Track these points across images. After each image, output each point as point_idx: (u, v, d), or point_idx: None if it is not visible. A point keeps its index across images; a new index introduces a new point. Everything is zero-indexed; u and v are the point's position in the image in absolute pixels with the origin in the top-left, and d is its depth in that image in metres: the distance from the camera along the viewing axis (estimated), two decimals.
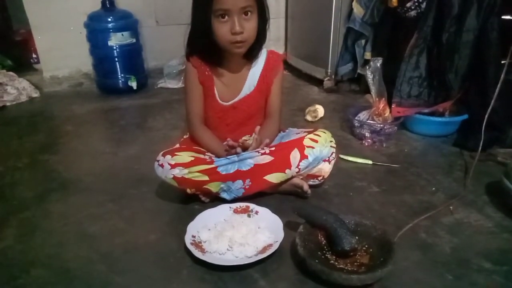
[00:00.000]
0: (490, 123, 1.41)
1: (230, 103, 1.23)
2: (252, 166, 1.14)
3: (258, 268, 0.93)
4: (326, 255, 0.95)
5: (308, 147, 1.16)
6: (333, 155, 1.21)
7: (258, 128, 1.19)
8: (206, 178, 1.11)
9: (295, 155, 1.15)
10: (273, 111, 1.30)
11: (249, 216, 1.10)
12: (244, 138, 1.24)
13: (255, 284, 0.89)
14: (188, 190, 1.13)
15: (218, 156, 1.18)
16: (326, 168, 1.22)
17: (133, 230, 1.10)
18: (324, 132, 1.21)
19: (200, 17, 1.08)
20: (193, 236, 1.01)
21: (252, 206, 1.13)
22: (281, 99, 1.31)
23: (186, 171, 1.09)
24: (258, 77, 1.23)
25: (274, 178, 1.16)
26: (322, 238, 0.99)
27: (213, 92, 1.21)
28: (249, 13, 1.06)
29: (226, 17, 1.05)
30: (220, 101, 1.22)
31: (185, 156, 1.12)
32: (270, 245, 0.97)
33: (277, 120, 1.31)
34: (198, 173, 1.10)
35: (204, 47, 1.14)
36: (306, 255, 0.89)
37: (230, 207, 1.13)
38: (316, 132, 1.21)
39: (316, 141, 1.17)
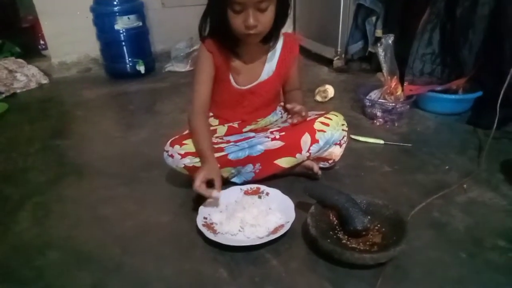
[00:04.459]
0: (506, 100, 1.38)
1: (247, 87, 1.18)
2: (263, 152, 1.13)
3: (270, 249, 0.93)
4: (338, 235, 0.95)
5: (319, 131, 1.13)
6: (345, 138, 1.19)
7: (293, 105, 1.13)
8: None
9: (305, 139, 1.13)
10: (295, 88, 1.28)
11: (259, 197, 1.10)
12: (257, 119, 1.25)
13: (267, 263, 0.90)
14: None
15: (201, 159, 1.08)
16: (337, 152, 1.20)
17: (145, 212, 1.11)
18: (336, 115, 1.18)
19: (215, 7, 1.02)
20: (205, 218, 1.01)
21: (262, 187, 1.12)
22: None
23: (196, 159, 1.09)
24: (276, 61, 1.18)
25: (284, 162, 1.15)
26: (334, 218, 0.98)
27: (227, 77, 1.15)
28: (265, 6, 0.98)
29: (241, 9, 0.98)
30: (236, 85, 1.17)
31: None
32: (282, 226, 0.97)
33: (301, 92, 1.29)
34: None
35: (220, 33, 1.08)
36: (318, 235, 0.88)
37: (240, 189, 1.13)
38: (327, 115, 1.18)
39: (327, 125, 1.15)
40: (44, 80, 2.37)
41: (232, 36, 1.05)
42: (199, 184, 1.00)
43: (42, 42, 2.70)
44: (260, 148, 1.13)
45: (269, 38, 1.11)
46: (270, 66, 1.18)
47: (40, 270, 0.92)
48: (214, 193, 1.01)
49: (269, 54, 1.17)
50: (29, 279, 0.90)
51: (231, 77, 1.16)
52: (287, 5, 1.06)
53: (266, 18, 1.01)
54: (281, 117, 1.30)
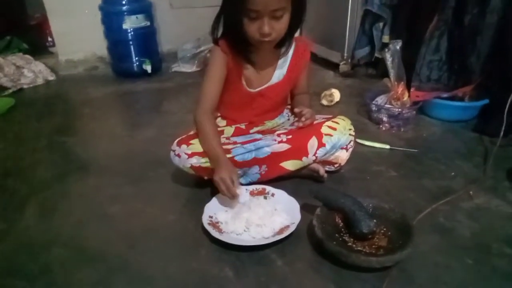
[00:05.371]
0: None
1: (257, 90, 1.18)
2: (269, 154, 1.13)
3: (275, 249, 0.94)
4: (344, 237, 0.95)
5: (326, 135, 1.13)
6: (351, 143, 1.19)
7: (300, 109, 1.14)
8: None
9: (312, 143, 1.13)
10: (304, 91, 1.29)
11: (265, 198, 1.10)
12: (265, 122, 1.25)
13: (272, 264, 0.90)
14: (205, 177, 1.14)
15: (212, 162, 1.08)
16: (343, 156, 1.20)
17: (151, 211, 1.11)
18: (343, 120, 1.19)
19: (231, 13, 1.02)
20: (210, 217, 1.02)
21: (268, 188, 1.13)
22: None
23: (203, 160, 1.09)
24: (288, 66, 1.19)
25: (290, 165, 1.15)
26: (340, 221, 0.98)
27: (239, 79, 1.15)
28: (280, 14, 0.99)
29: (257, 17, 0.98)
30: (247, 88, 1.17)
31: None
32: (287, 227, 0.97)
33: (309, 96, 1.30)
34: None
35: (233, 37, 1.08)
36: (324, 236, 0.88)
37: (246, 189, 1.13)
38: (334, 119, 1.18)
39: (334, 129, 1.15)
40: (51, 77, 2.38)
41: (245, 41, 1.05)
42: (231, 187, 1.00)
43: (49, 39, 2.71)
44: (267, 150, 1.13)
45: (283, 43, 1.11)
46: (281, 70, 1.19)
47: (45, 266, 0.92)
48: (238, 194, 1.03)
49: (281, 60, 1.18)
50: (34, 274, 0.90)
51: (242, 79, 1.16)
52: (302, 12, 1.06)
53: (281, 26, 1.01)
54: (288, 119, 1.30)
